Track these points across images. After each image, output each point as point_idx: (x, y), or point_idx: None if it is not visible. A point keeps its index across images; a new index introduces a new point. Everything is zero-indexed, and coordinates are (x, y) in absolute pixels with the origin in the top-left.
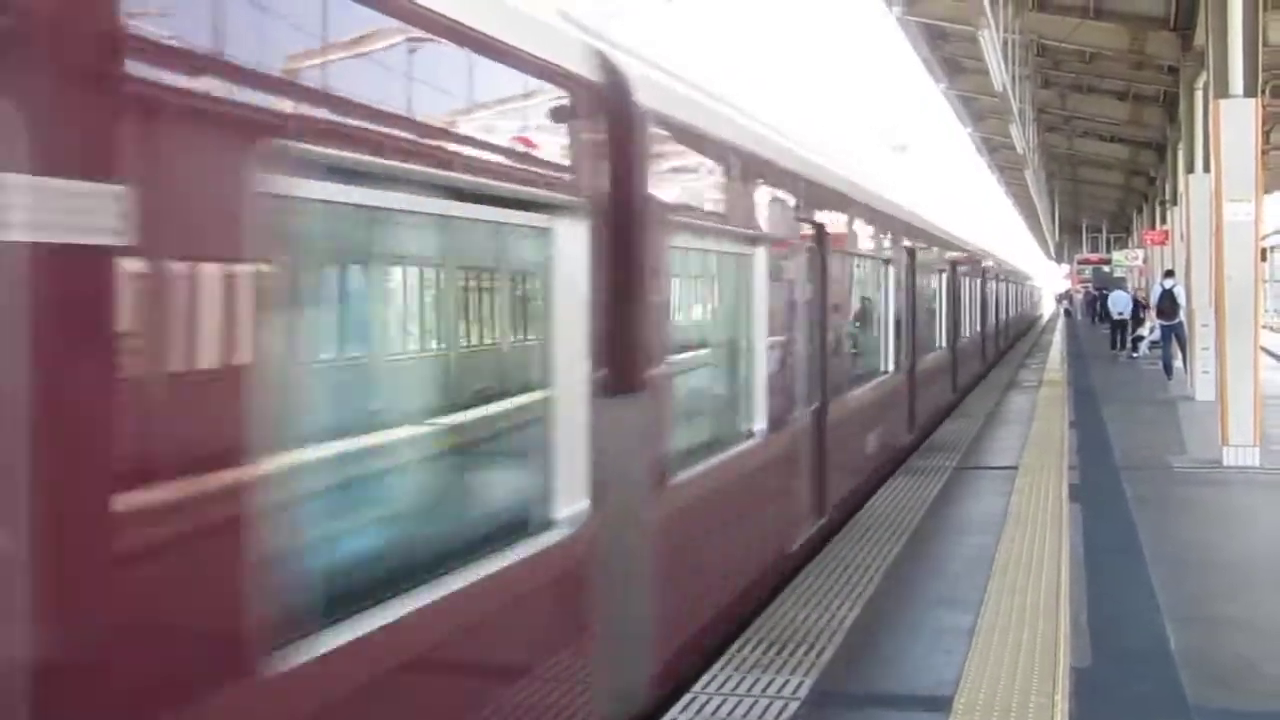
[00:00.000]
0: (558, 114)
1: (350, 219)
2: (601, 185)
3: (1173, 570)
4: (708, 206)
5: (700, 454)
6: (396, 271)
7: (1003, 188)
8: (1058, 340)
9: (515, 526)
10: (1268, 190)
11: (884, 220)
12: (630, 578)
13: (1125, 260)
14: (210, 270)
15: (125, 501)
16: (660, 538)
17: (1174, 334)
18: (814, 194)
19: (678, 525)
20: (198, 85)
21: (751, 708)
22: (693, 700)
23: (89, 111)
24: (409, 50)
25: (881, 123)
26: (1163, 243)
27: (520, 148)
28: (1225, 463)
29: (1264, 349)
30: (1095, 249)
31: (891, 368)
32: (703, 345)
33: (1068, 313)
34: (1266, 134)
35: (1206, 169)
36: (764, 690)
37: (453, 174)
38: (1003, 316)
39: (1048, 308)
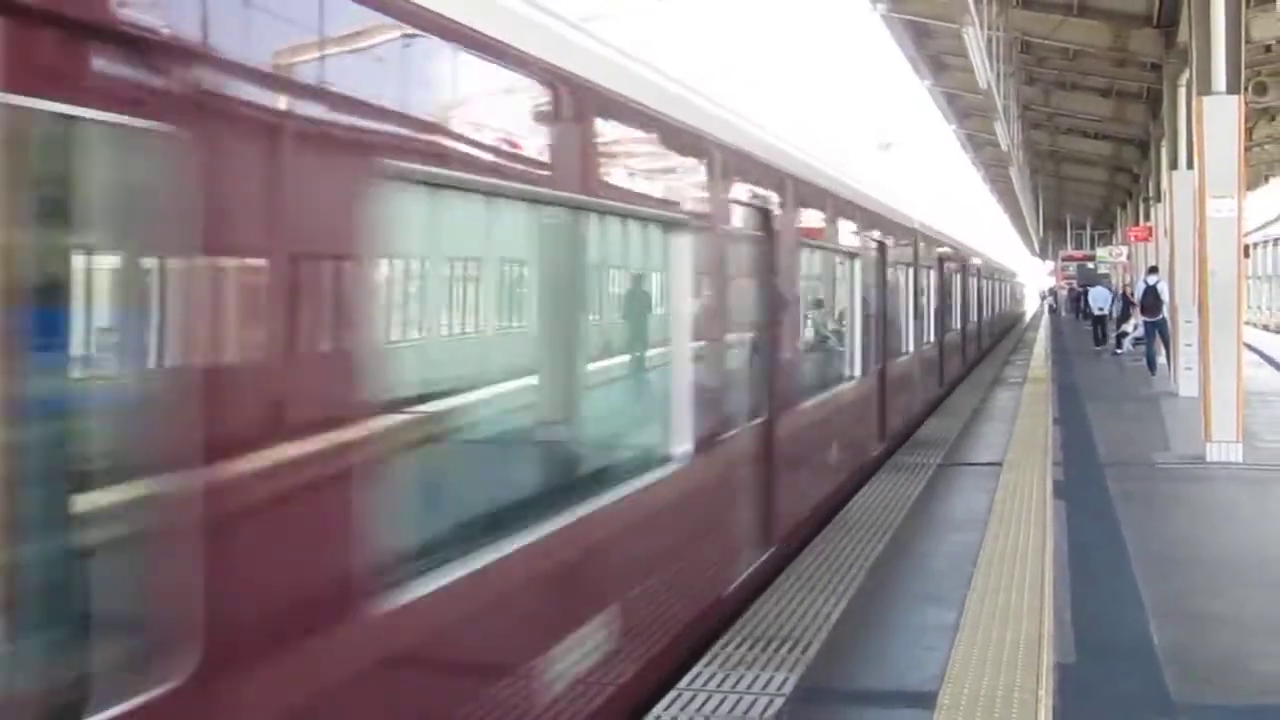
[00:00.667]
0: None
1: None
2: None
3: (1156, 566)
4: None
5: (592, 489)
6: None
7: (987, 185)
8: (1042, 337)
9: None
10: (1251, 187)
11: (850, 210)
12: None
13: (1109, 257)
14: None
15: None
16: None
17: (1158, 330)
18: (763, 176)
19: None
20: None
21: (736, 704)
22: (677, 697)
23: None
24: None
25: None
26: (1146, 239)
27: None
28: (1209, 459)
29: (1247, 345)
30: (1080, 245)
31: (857, 372)
32: (591, 357)
33: (1052, 309)
34: (1249, 130)
35: (1190, 165)
36: (749, 687)
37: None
38: (984, 315)
39: (1032, 304)
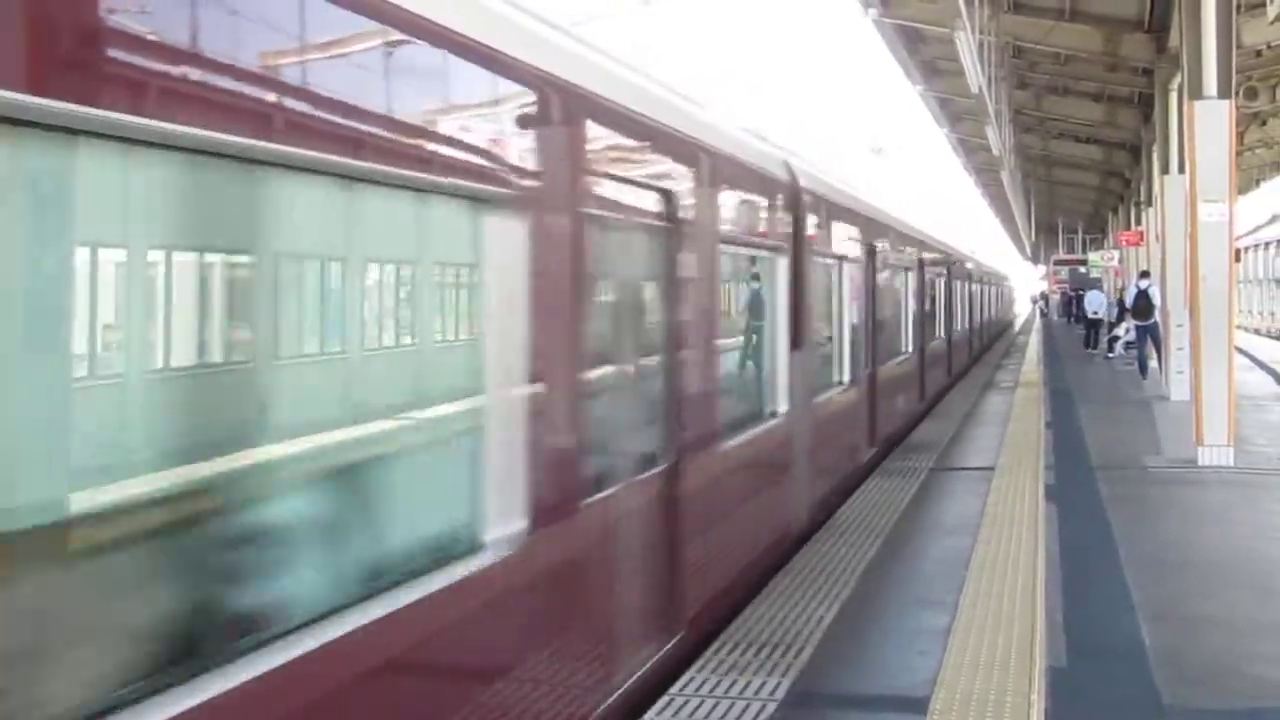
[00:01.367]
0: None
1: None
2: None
3: (1148, 570)
4: None
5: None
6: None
7: (979, 189)
8: (1034, 341)
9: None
10: (1242, 191)
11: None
12: None
13: (1101, 261)
14: None
15: None
16: None
17: (1149, 334)
18: (662, 147)
19: None
20: None
21: (729, 709)
22: (670, 702)
23: None
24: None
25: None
26: (1138, 243)
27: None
28: (1200, 462)
29: (1238, 349)
30: (1071, 250)
31: (782, 407)
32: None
33: (1043, 313)
34: (1240, 135)
35: (1181, 170)
36: (741, 692)
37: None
38: (973, 321)
39: (1023, 308)
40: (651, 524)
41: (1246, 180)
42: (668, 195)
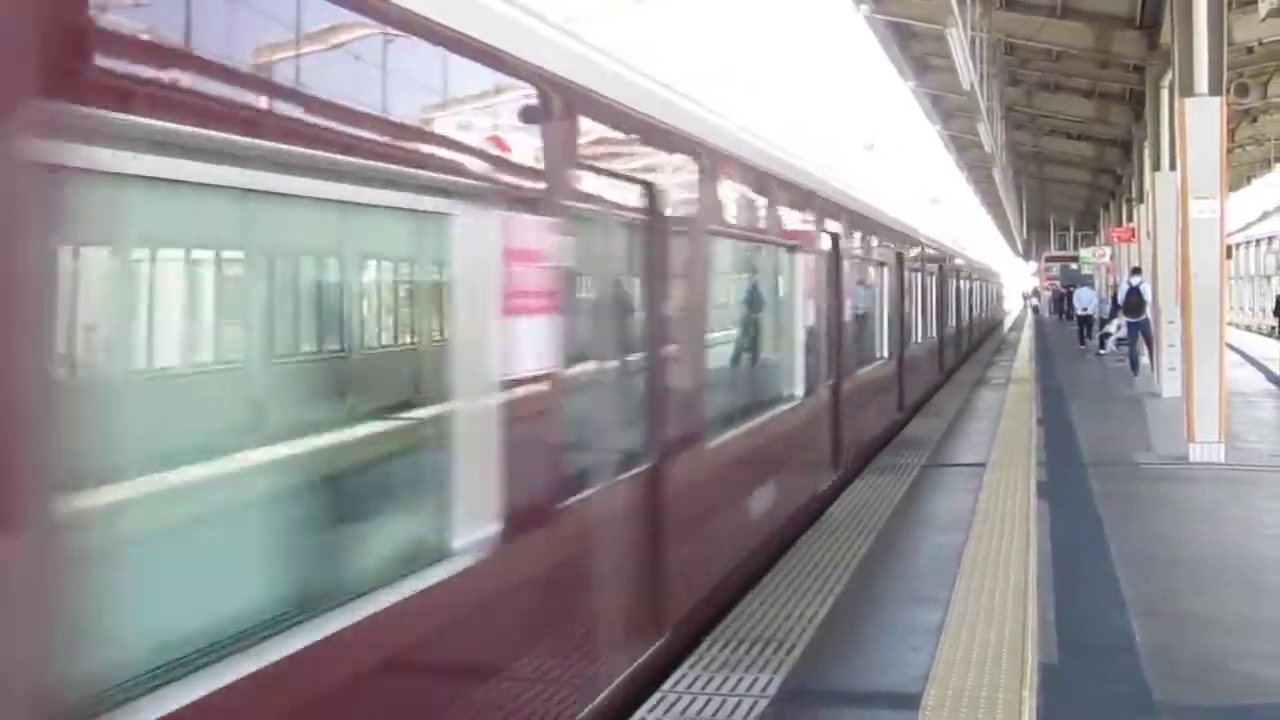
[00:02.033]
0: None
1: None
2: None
3: (1139, 567)
4: None
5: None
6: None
7: (971, 186)
8: (1026, 337)
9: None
10: (1233, 188)
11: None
12: None
13: (1092, 258)
14: None
15: None
16: None
17: (1140, 331)
18: (635, 132)
19: None
20: None
21: (721, 706)
22: (662, 699)
23: None
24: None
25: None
26: (1129, 240)
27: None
28: (1191, 459)
29: (1230, 346)
30: (1063, 246)
31: (716, 430)
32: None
33: (1035, 309)
34: (1231, 132)
35: (1172, 167)
36: (733, 689)
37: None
38: (960, 320)
39: (1014, 306)
40: (633, 532)
41: (1237, 177)
42: (650, 190)
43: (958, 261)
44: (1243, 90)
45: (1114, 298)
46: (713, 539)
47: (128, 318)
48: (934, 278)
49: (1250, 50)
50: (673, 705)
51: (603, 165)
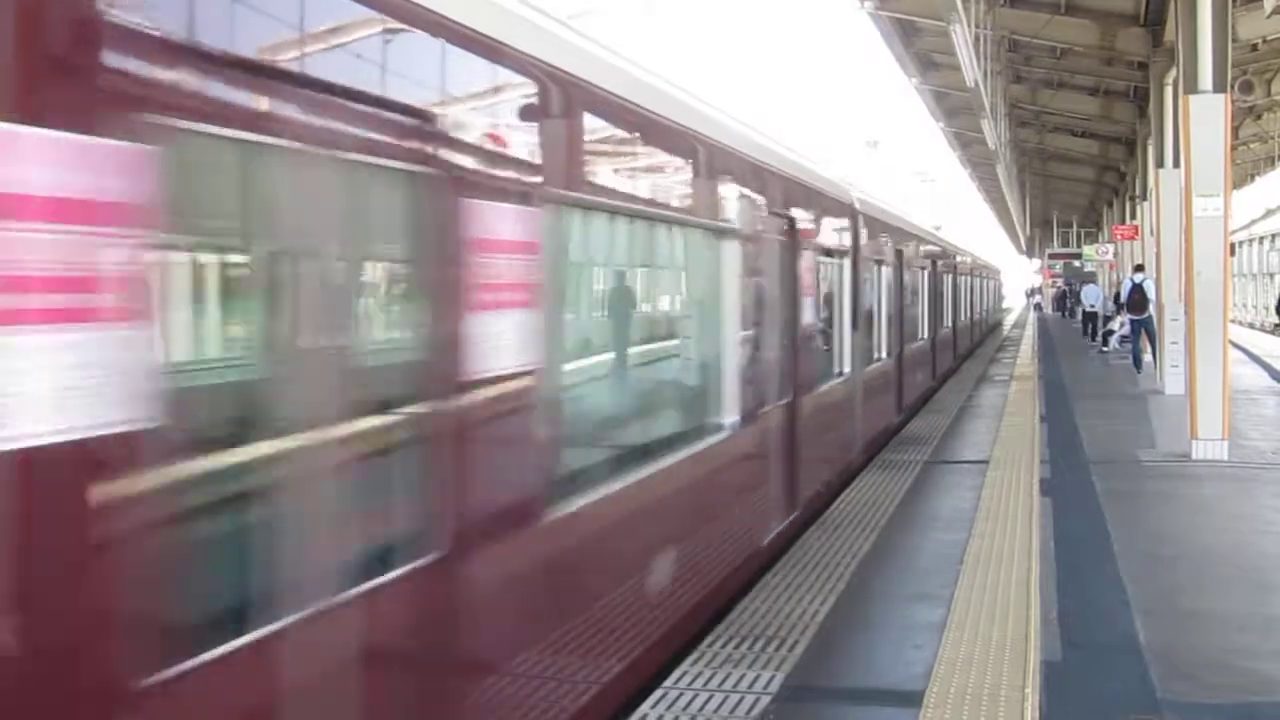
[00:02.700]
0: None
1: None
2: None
3: (1142, 564)
4: None
5: None
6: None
7: (975, 183)
8: (1029, 335)
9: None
10: (1237, 185)
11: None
12: None
13: (1095, 255)
14: None
15: None
16: None
17: (1144, 328)
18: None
19: None
20: None
21: (723, 703)
22: (664, 696)
23: None
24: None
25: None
26: (1132, 237)
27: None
28: (1194, 456)
29: (1233, 343)
30: (1066, 243)
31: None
32: None
33: (1038, 307)
34: (1235, 129)
35: (1176, 164)
36: (735, 685)
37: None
38: (953, 323)
39: (1015, 302)
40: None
41: (1241, 174)
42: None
43: (957, 259)
44: (1247, 87)
45: (1117, 295)
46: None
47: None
48: (919, 274)
49: (1255, 47)
50: (675, 701)
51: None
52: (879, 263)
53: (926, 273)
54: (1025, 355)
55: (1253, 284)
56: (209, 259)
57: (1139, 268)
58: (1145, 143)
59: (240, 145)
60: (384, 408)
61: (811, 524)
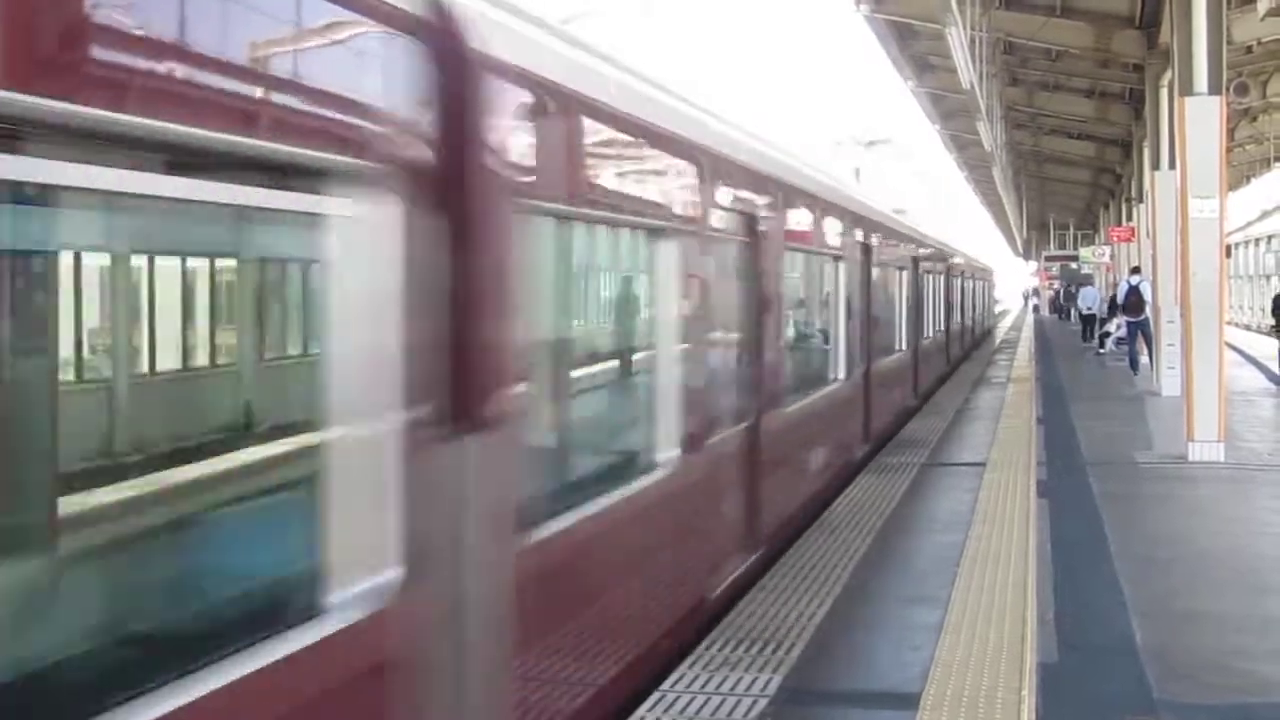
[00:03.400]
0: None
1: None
2: None
3: (1139, 566)
4: None
5: None
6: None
7: (971, 185)
8: (1025, 337)
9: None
10: (1232, 187)
11: None
12: None
13: (1092, 257)
14: None
15: None
16: None
17: (1140, 330)
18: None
19: None
20: None
21: (720, 705)
22: (661, 698)
23: None
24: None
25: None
26: (1129, 239)
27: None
28: (1190, 458)
29: (1229, 345)
30: (1063, 246)
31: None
32: None
33: (1036, 309)
34: (1231, 131)
35: (1172, 166)
36: (732, 688)
37: None
38: (936, 336)
39: (1011, 305)
40: None
41: (1237, 176)
42: None
43: (945, 258)
44: (1242, 89)
45: (1113, 297)
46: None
47: None
48: (889, 274)
49: (1249, 49)
50: (672, 704)
51: None
52: (835, 258)
53: (903, 273)
54: (1022, 357)
55: (1249, 286)
56: None
57: (1135, 270)
58: (1141, 145)
59: None
60: None
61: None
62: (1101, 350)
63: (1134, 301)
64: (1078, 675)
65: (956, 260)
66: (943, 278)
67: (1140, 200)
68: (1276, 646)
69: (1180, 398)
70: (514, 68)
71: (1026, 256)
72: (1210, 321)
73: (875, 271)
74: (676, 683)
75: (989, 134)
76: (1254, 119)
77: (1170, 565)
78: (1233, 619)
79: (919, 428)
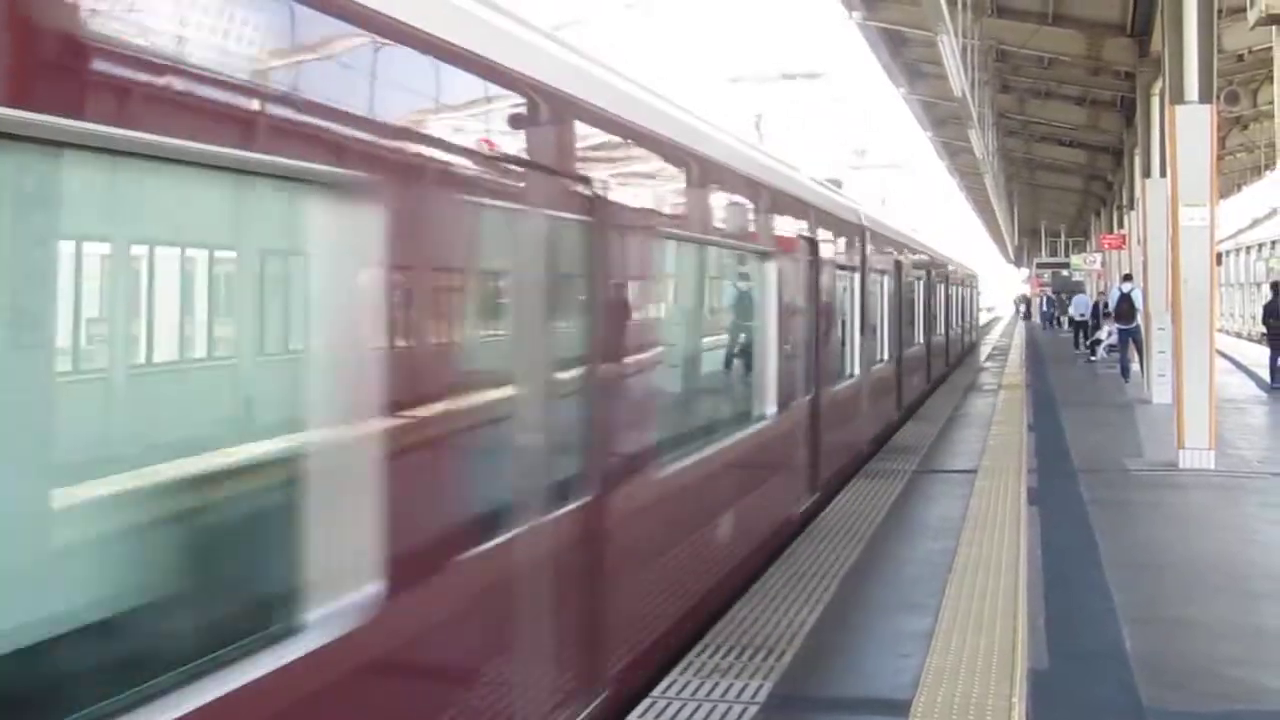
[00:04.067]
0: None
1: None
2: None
3: (1129, 573)
4: None
5: None
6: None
7: (963, 193)
8: (1018, 343)
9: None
10: (1223, 195)
11: None
12: None
13: (1083, 264)
14: None
15: None
16: None
17: (1131, 338)
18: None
19: None
20: None
21: (711, 712)
22: (652, 705)
23: None
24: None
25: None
26: (1120, 247)
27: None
28: (1181, 465)
29: (1220, 352)
30: (1054, 253)
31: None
32: None
33: (1025, 316)
34: (1222, 139)
35: (1163, 174)
36: (723, 695)
37: None
38: (910, 346)
39: (1001, 313)
40: None
41: (1228, 184)
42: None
43: (912, 255)
44: (1233, 98)
45: (1098, 304)
46: None
47: None
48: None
49: (1240, 58)
50: (662, 711)
51: None
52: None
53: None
54: (1014, 364)
55: (1239, 293)
56: None
57: (1127, 277)
58: (1132, 152)
59: None
60: None
61: None
62: (1093, 358)
63: (1125, 309)
64: (1068, 682)
65: (962, 272)
66: (910, 280)
67: (1131, 207)
68: (1266, 654)
69: (1171, 405)
70: None
71: (1018, 264)
72: (1201, 329)
73: (823, 276)
74: (668, 689)
75: (980, 141)
76: (1245, 127)
77: (1160, 572)
78: (1222, 626)
79: (911, 433)
